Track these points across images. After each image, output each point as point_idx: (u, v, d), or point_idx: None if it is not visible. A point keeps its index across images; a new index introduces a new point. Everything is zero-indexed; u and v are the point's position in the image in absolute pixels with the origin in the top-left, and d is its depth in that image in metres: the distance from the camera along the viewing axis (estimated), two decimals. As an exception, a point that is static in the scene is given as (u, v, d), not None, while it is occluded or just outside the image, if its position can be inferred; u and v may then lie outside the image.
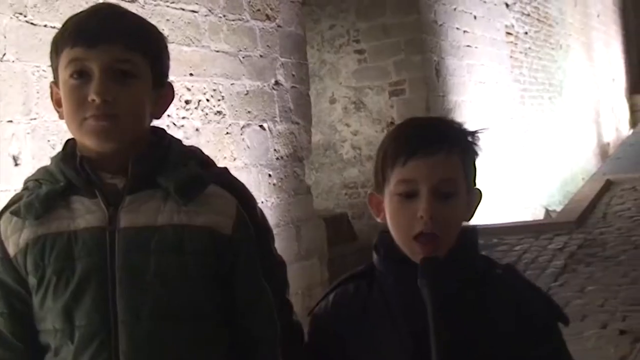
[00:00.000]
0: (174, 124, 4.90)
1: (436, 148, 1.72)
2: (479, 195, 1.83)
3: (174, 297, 1.71)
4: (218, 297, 1.77)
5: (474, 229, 1.83)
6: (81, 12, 1.82)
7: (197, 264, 1.73)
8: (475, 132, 1.81)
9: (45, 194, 1.72)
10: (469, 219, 1.81)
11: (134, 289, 1.69)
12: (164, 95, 1.83)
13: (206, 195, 1.77)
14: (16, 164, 3.80)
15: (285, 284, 2.02)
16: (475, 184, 1.81)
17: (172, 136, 1.87)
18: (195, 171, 1.81)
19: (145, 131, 1.80)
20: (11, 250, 1.73)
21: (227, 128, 5.40)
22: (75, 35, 1.71)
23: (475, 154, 1.79)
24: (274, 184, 5.86)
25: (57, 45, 1.75)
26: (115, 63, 1.70)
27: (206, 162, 1.93)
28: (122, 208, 1.72)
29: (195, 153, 1.92)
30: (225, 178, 1.92)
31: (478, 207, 1.84)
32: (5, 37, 3.82)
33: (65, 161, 1.76)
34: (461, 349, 1.69)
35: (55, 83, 1.78)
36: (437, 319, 1.69)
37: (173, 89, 1.88)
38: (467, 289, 1.74)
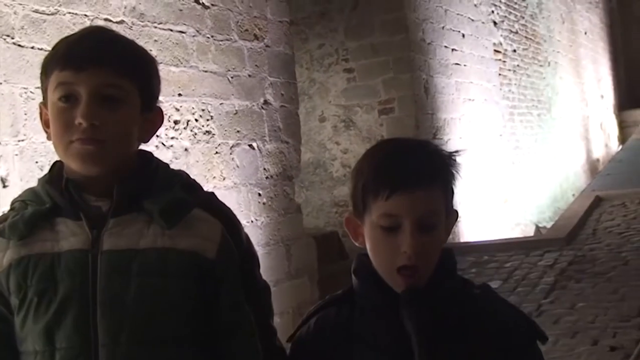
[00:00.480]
0: (163, 144, 4.90)
1: (419, 183, 1.71)
2: (456, 216, 1.83)
3: (154, 322, 1.70)
4: (200, 322, 1.76)
5: (451, 250, 1.83)
6: (72, 34, 1.82)
7: (179, 288, 1.73)
8: (454, 155, 1.80)
9: (30, 215, 1.73)
10: (446, 241, 1.81)
11: (114, 312, 1.68)
12: (152, 119, 1.83)
13: (191, 219, 1.77)
14: (4, 186, 3.80)
15: (269, 309, 1.99)
16: (453, 206, 1.82)
17: (159, 160, 1.87)
18: (180, 195, 1.80)
19: (132, 155, 1.80)
20: None
21: (216, 148, 5.41)
22: (64, 58, 1.71)
23: (454, 178, 1.79)
24: (263, 203, 5.86)
25: (47, 68, 1.75)
26: (103, 88, 1.70)
27: (192, 186, 1.91)
28: (106, 231, 1.72)
29: (182, 176, 1.91)
30: (211, 202, 1.91)
31: (454, 227, 1.85)
32: (-8, 59, 3.83)
33: (51, 183, 1.76)
34: None
35: (44, 104, 1.78)
36: (421, 349, 1.69)
37: (162, 113, 1.88)
38: (447, 312, 1.74)
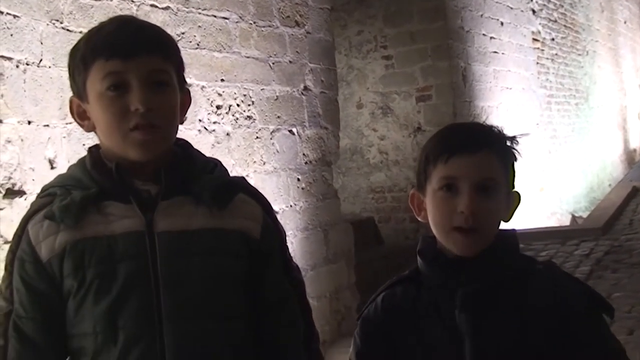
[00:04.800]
0: (206, 129, 4.97)
1: (477, 147, 1.78)
2: (517, 197, 1.88)
3: (214, 298, 1.77)
4: (248, 299, 1.84)
5: (514, 232, 1.87)
6: (102, 24, 1.83)
7: (231, 266, 1.80)
8: (515, 136, 1.87)
9: (81, 199, 1.74)
10: (508, 220, 1.85)
11: (177, 290, 1.73)
12: (184, 100, 1.87)
13: (234, 201, 1.84)
14: (52, 167, 3.87)
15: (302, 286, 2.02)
16: (514, 187, 1.86)
17: (192, 145, 1.92)
18: (226, 178, 1.89)
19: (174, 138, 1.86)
20: (44, 254, 1.73)
21: (257, 132, 5.47)
22: (109, 47, 1.74)
23: (514, 157, 1.86)
24: (302, 188, 5.92)
25: (86, 59, 1.76)
26: (153, 73, 1.74)
27: (227, 171, 1.96)
28: (158, 213, 1.76)
29: (216, 161, 1.95)
30: (249, 186, 1.97)
31: (516, 209, 1.88)
32: (42, 43, 3.90)
33: (97, 168, 1.79)
34: (508, 347, 1.75)
35: (79, 97, 1.80)
36: (474, 353, 1.74)
37: (190, 94, 1.92)
38: (509, 286, 1.78)
